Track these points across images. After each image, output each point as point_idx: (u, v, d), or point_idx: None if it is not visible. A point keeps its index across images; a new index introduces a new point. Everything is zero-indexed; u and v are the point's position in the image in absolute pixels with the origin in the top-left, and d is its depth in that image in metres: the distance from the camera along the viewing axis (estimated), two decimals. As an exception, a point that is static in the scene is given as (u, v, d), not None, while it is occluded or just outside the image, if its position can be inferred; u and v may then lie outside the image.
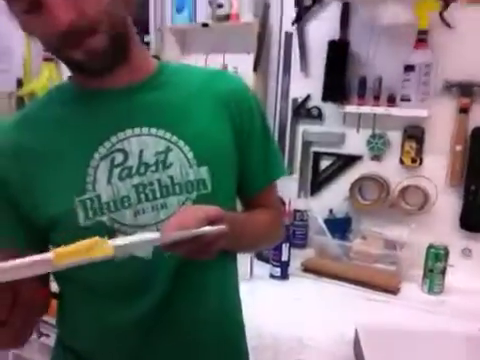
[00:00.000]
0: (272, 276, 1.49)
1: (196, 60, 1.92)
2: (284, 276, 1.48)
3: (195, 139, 0.68)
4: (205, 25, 1.84)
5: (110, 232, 0.64)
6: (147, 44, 2.01)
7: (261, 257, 1.57)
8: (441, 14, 1.38)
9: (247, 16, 1.75)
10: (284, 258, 1.48)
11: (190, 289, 0.71)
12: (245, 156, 0.75)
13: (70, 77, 0.71)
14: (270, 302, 1.32)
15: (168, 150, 0.66)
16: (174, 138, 0.67)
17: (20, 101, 2.29)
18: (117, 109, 0.66)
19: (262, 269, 1.50)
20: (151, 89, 0.69)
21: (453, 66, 1.40)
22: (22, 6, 0.56)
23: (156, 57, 0.75)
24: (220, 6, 1.82)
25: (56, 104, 0.69)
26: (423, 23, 1.40)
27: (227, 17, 1.81)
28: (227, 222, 0.59)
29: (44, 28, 0.57)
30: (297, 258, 1.54)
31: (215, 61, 1.86)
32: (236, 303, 0.82)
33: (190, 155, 0.67)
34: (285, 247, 1.48)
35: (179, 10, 1.95)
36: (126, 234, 0.64)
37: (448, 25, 1.38)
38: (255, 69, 1.76)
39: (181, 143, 0.67)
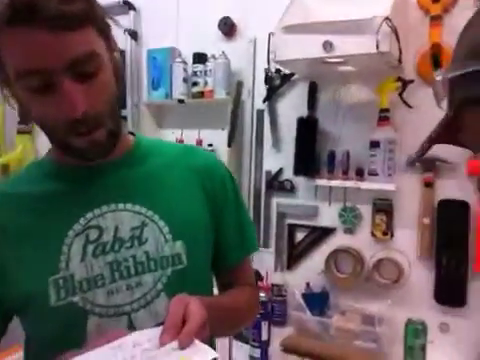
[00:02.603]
0: (252, 358, 1.44)
1: (172, 135, 1.98)
2: (264, 358, 1.44)
3: (170, 213, 0.69)
4: (181, 101, 1.92)
5: (82, 313, 0.63)
6: (124, 118, 2.07)
7: (240, 338, 1.52)
8: (400, 94, 1.46)
9: (221, 94, 1.83)
10: (264, 337, 1.44)
11: None
12: (219, 230, 0.76)
13: (49, 152, 0.72)
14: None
15: (143, 225, 0.67)
16: (149, 213, 0.68)
17: (-6, 173, 2.29)
18: (94, 186, 0.68)
19: (241, 351, 1.46)
20: (128, 165, 0.71)
21: (415, 142, 1.45)
22: (32, 83, 0.56)
23: (131, 133, 0.77)
24: (195, 84, 1.90)
25: (34, 180, 0.69)
26: (384, 102, 1.49)
27: (201, 94, 1.89)
28: (208, 311, 0.58)
29: (54, 111, 0.58)
30: (277, 337, 1.50)
31: (190, 136, 1.91)
32: None
33: (165, 229, 0.68)
34: (264, 325, 1.44)
35: (155, 87, 2.03)
36: (99, 315, 0.63)
37: (407, 105, 1.46)
38: (229, 145, 1.81)
39: (156, 217, 0.68)
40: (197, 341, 0.54)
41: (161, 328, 0.55)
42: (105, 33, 0.62)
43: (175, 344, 0.53)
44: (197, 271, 0.71)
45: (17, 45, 0.55)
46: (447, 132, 0.48)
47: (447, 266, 1.43)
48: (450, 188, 1.44)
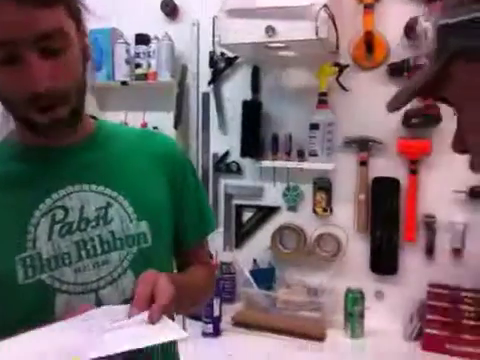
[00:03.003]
0: (204, 334, 1.50)
1: (115, 117, 1.94)
2: (216, 333, 1.50)
3: (134, 194, 0.71)
4: (124, 83, 1.88)
5: (50, 290, 0.64)
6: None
7: (192, 315, 1.57)
8: (337, 79, 1.55)
9: (165, 76, 1.82)
10: (216, 314, 1.50)
11: None
12: (179, 211, 0.79)
13: (11, 133, 0.72)
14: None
15: (108, 205, 0.69)
16: (114, 194, 0.69)
17: None
18: (58, 167, 0.68)
19: (194, 328, 1.51)
20: (91, 148, 0.72)
21: (351, 124, 1.57)
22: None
23: (93, 117, 0.78)
24: (138, 65, 1.87)
25: None
26: (322, 86, 1.56)
27: (145, 76, 1.86)
28: (175, 288, 0.60)
29: (18, 85, 0.58)
30: (227, 312, 1.56)
31: (135, 119, 1.89)
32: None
33: (130, 210, 0.70)
34: (216, 302, 1.50)
35: (97, 68, 1.97)
36: (67, 292, 0.64)
37: (344, 88, 1.55)
38: (176, 127, 1.82)
39: (121, 198, 0.70)
40: (166, 318, 0.56)
41: (129, 305, 0.57)
42: (76, 16, 0.63)
43: (144, 316, 0.55)
44: (161, 250, 0.74)
45: None
46: (431, 85, 0.45)
47: (381, 238, 1.56)
48: (383, 166, 1.56)
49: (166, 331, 0.55)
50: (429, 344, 1.36)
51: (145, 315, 0.55)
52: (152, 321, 0.55)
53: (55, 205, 0.66)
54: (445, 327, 1.36)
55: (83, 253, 0.66)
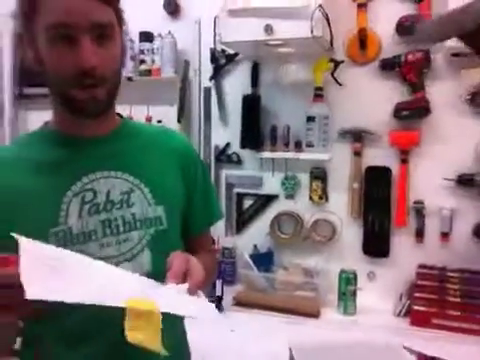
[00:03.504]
0: (207, 312, 1.60)
1: (121, 111, 2.03)
2: (219, 310, 1.60)
3: (153, 182, 0.81)
4: (130, 79, 1.97)
5: None
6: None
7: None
8: (332, 74, 1.64)
9: (168, 71, 1.91)
10: (218, 293, 1.61)
11: None
12: (189, 202, 0.89)
13: (46, 125, 0.82)
14: (209, 335, 1.41)
15: (131, 191, 0.79)
16: (136, 181, 0.80)
17: None
18: (90, 154, 0.78)
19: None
20: (117, 140, 0.82)
21: (345, 116, 1.67)
22: (59, 33, 0.68)
23: (118, 115, 0.88)
24: (142, 62, 1.96)
25: (36, 146, 0.79)
26: (318, 81, 1.66)
27: (149, 72, 1.95)
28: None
29: (69, 62, 0.68)
30: (228, 293, 1.67)
31: (140, 113, 1.98)
32: (183, 337, 0.93)
33: (149, 196, 0.80)
34: (218, 283, 1.61)
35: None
36: None
37: (338, 83, 1.65)
38: (179, 120, 1.92)
39: (142, 185, 0.80)
40: (202, 294, 0.63)
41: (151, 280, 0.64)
42: (120, 21, 0.76)
43: (183, 287, 0.61)
44: (174, 233, 0.85)
45: (56, 2, 0.68)
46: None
47: (373, 223, 1.66)
48: (375, 156, 1.66)
49: (205, 309, 0.62)
50: (417, 320, 1.47)
51: (182, 287, 0.62)
52: (191, 294, 0.62)
53: (85, 187, 0.76)
54: (432, 304, 1.46)
55: (108, 231, 0.76)
